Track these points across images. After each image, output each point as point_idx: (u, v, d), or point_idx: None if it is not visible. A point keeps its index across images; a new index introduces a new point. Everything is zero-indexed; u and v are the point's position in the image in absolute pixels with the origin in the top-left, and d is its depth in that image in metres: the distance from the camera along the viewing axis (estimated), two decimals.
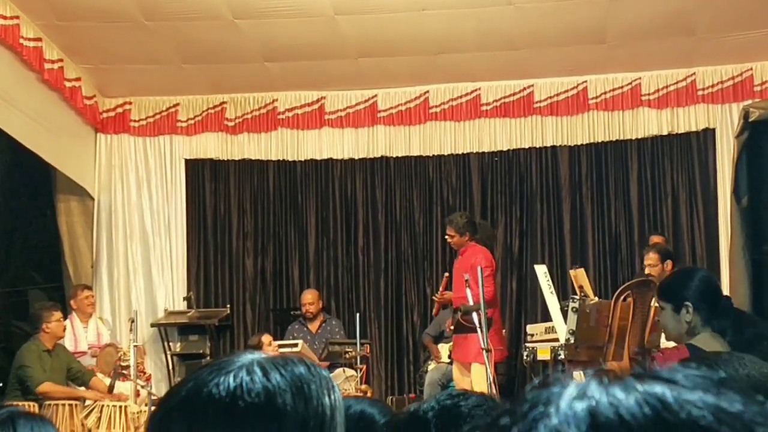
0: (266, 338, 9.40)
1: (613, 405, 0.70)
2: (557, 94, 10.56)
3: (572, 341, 7.10)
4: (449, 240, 8.91)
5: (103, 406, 8.21)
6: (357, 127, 10.87)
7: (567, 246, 10.60)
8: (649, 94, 10.42)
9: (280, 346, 9.53)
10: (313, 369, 1.33)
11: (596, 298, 7.58)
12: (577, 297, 7.41)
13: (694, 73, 10.31)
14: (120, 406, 8.17)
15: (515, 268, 10.66)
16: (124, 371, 8.71)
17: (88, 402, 8.35)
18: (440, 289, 9.10)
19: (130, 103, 10.96)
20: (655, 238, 9.65)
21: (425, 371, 9.88)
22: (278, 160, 11.02)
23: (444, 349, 9.71)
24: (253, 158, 11.03)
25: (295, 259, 11.00)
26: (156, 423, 1.31)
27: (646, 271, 8.81)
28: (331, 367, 9.72)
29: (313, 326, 10.20)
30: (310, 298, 10.29)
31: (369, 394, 8.89)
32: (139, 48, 9.90)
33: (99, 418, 8.14)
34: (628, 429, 0.69)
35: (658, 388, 0.71)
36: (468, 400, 1.98)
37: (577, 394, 0.72)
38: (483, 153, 10.82)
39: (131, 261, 10.82)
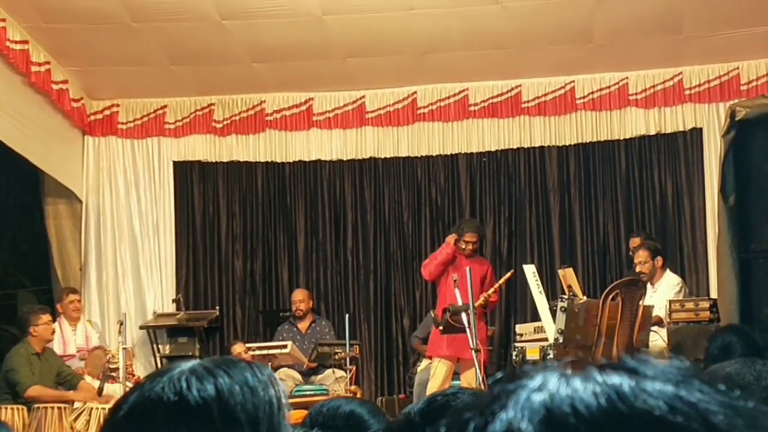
0: (238, 347, 9.37)
1: (569, 397, 0.71)
2: (545, 94, 10.58)
3: (561, 341, 7.12)
4: (475, 247, 8.95)
5: (92, 408, 8.20)
6: (345, 129, 10.87)
7: (555, 246, 10.62)
8: (636, 94, 10.44)
9: (270, 347, 9.52)
10: (255, 365, 1.36)
11: (585, 298, 7.61)
12: (566, 296, 7.44)
13: (681, 73, 10.34)
14: (109, 409, 8.14)
15: (504, 268, 10.63)
16: (113, 374, 8.70)
17: (77, 405, 8.33)
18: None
19: (118, 106, 10.94)
20: (636, 240, 9.66)
21: (415, 372, 9.88)
22: (266, 162, 11.02)
23: None
24: (241, 160, 11.02)
25: (284, 261, 10.99)
26: None
27: (637, 269, 8.84)
28: (321, 369, 9.73)
29: (303, 326, 10.20)
30: (300, 296, 10.29)
31: (359, 395, 8.89)
32: (127, 50, 9.89)
33: (88, 421, 8.12)
34: (581, 421, 0.69)
35: (617, 379, 0.72)
36: (459, 398, 1.98)
37: (537, 386, 0.73)
38: (471, 153, 10.83)
39: (120, 263, 10.80)
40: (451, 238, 8.92)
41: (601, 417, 0.69)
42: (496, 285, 8.76)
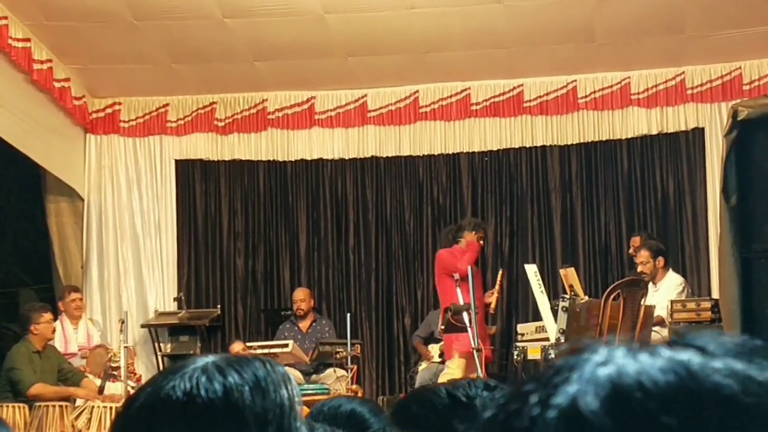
0: (237, 345, 9.38)
1: (636, 372, 0.69)
2: (547, 94, 10.58)
3: (562, 340, 7.12)
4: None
5: (93, 407, 8.20)
6: (347, 127, 10.87)
7: (557, 245, 10.62)
8: (638, 93, 10.44)
9: (271, 346, 9.51)
10: (268, 364, 1.35)
11: (586, 297, 7.61)
12: (568, 296, 7.43)
13: (683, 72, 10.34)
14: (110, 407, 8.15)
15: (505, 268, 10.66)
16: (114, 372, 8.69)
17: (78, 403, 8.33)
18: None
19: (120, 104, 10.94)
20: (637, 240, 9.68)
21: (416, 372, 9.89)
22: (268, 161, 11.02)
23: (434, 349, 9.72)
24: (243, 158, 11.02)
25: (285, 260, 10.99)
26: None
27: (639, 269, 8.85)
28: (322, 368, 9.72)
29: (304, 325, 10.20)
30: (301, 295, 10.29)
31: (360, 395, 8.89)
32: (129, 48, 9.89)
33: (89, 419, 8.12)
34: (648, 396, 0.68)
35: (686, 356, 0.70)
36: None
37: (602, 360, 0.71)
38: (473, 153, 10.83)
39: (121, 262, 10.80)
40: (473, 236, 8.92)
41: (669, 393, 0.68)
42: (497, 286, 8.83)
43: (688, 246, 10.33)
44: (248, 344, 9.62)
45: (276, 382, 1.32)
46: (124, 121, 10.95)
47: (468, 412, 1.74)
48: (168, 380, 1.31)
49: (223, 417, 1.27)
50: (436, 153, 10.85)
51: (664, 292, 8.71)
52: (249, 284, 10.99)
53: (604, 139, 10.59)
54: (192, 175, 11.09)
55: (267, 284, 11.01)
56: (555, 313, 7.50)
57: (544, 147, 10.71)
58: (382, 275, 10.90)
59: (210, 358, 1.34)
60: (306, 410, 2.54)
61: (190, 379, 1.29)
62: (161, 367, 10.25)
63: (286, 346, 9.52)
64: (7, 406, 8.11)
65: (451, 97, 10.71)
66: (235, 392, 1.28)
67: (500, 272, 9.15)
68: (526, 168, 10.79)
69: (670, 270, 9.07)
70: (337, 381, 9.25)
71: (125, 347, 8.58)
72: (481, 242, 9.04)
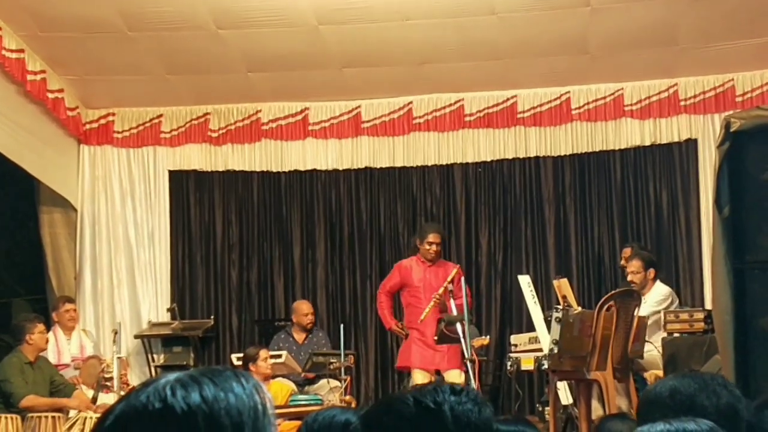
0: (263, 353, 9.29)
1: None
2: (540, 105, 10.60)
3: (556, 351, 7.12)
4: (438, 249, 8.98)
5: (86, 418, 8.18)
6: (341, 138, 10.88)
7: (550, 256, 10.63)
8: (631, 105, 10.47)
9: None
10: (241, 374, 1.38)
11: (580, 308, 7.60)
12: (561, 307, 7.42)
13: (677, 84, 10.37)
14: (97, 418, 8.11)
15: (499, 279, 10.67)
16: (107, 383, 8.68)
17: (71, 414, 8.31)
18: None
19: (114, 115, 10.94)
20: (628, 250, 9.69)
21: (410, 382, 9.87)
22: (262, 171, 11.02)
23: None
24: (237, 169, 11.02)
25: (279, 271, 10.99)
26: None
27: (629, 278, 8.86)
28: (316, 378, 9.71)
29: (300, 337, 10.18)
30: (309, 308, 10.20)
31: (353, 405, 8.87)
32: (123, 59, 9.89)
33: (82, 430, 8.10)
34: None
35: None
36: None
37: None
38: (467, 164, 10.84)
39: (115, 272, 10.79)
40: (421, 245, 8.95)
41: None
42: (446, 282, 8.56)
43: (681, 257, 10.35)
44: (238, 355, 9.55)
45: (249, 390, 1.35)
46: (118, 132, 10.95)
47: (436, 419, 1.79)
48: (143, 392, 1.33)
49: (202, 423, 1.30)
50: (429, 164, 10.86)
51: (648, 303, 8.70)
52: (243, 295, 10.98)
53: (597, 150, 10.61)
54: (186, 186, 11.09)
55: (261, 295, 11.01)
56: (548, 324, 7.50)
57: (537, 158, 10.73)
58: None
59: (183, 372, 1.38)
60: (297, 423, 2.55)
61: (165, 390, 1.32)
62: None
63: (279, 356, 9.50)
64: (0, 417, 8.09)
65: (444, 108, 10.73)
66: (211, 399, 1.31)
67: (456, 269, 8.81)
68: (520, 179, 10.81)
69: (658, 282, 9.07)
70: (330, 392, 9.24)
71: (118, 358, 8.58)
72: (429, 248, 8.91)
